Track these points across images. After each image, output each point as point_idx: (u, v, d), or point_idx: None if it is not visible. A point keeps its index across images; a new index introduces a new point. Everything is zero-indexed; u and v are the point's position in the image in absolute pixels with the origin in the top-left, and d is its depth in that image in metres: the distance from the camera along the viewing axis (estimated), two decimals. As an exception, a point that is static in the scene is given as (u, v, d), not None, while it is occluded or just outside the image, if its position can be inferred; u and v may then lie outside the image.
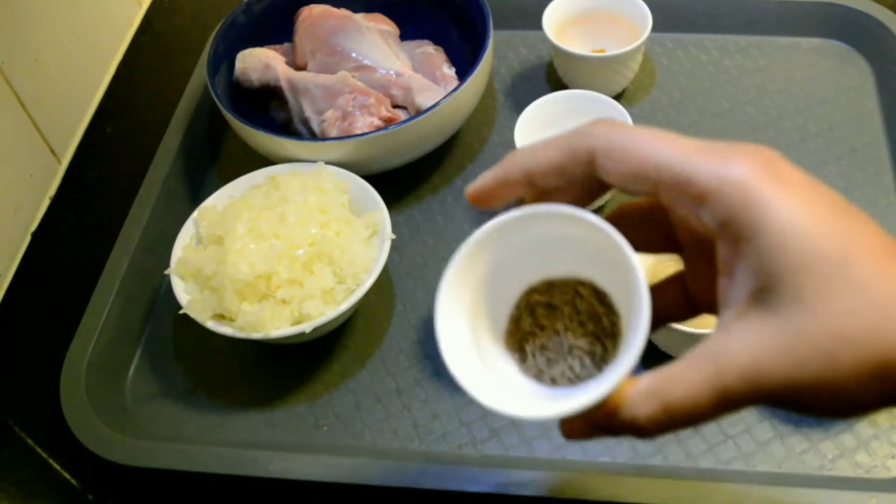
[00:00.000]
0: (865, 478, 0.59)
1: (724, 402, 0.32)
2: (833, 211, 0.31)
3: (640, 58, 0.81)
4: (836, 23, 0.85)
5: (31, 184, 0.82)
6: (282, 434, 0.65)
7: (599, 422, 0.34)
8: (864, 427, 0.61)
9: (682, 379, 0.33)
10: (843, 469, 0.59)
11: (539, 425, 0.63)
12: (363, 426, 0.65)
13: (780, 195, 0.31)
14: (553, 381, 0.36)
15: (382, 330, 0.70)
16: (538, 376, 0.37)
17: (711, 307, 0.36)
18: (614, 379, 0.32)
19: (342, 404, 0.66)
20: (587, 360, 0.36)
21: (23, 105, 0.80)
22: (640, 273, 0.33)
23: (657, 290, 0.38)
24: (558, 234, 0.36)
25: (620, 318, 0.36)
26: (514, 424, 0.63)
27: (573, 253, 0.36)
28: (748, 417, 0.62)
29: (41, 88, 0.83)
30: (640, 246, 0.37)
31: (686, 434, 0.62)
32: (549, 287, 0.38)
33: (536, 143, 0.36)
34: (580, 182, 0.36)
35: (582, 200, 0.37)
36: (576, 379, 0.36)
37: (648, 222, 0.37)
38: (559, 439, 0.62)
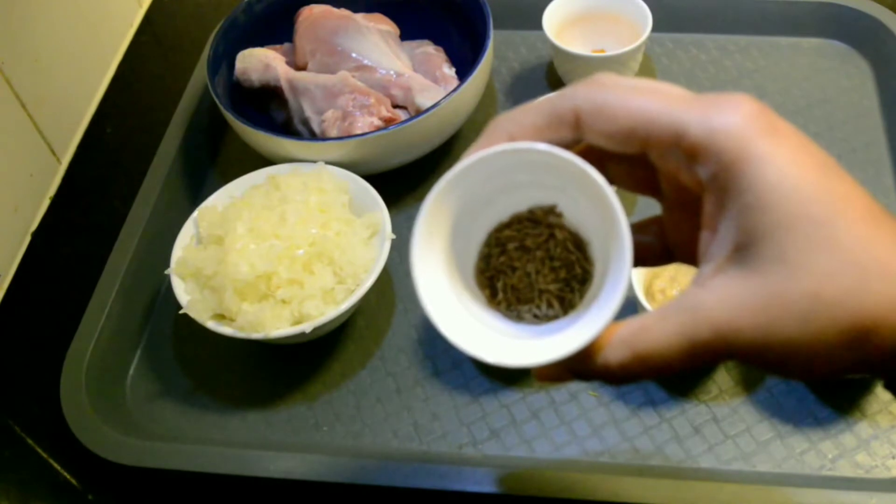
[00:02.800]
0: (865, 478, 0.59)
1: (695, 355, 0.32)
2: (822, 170, 0.31)
3: (640, 58, 0.81)
4: (836, 23, 0.85)
5: (31, 183, 0.82)
6: (282, 434, 0.65)
7: (573, 366, 0.34)
8: (864, 427, 0.61)
9: (656, 328, 0.32)
10: (844, 469, 0.59)
11: (532, 420, 0.63)
12: (363, 426, 0.65)
13: (771, 150, 0.31)
14: (519, 318, 0.36)
15: (382, 330, 0.70)
16: (505, 313, 0.37)
17: (687, 258, 0.36)
18: (599, 324, 0.32)
19: (342, 404, 0.66)
20: (556, 304, 0.36)
21: (23, 105, 0.80)
22: (620, 213, 0.32)
23: (634, 232, 0.35)
24: (531, 174, 0.35)
25: (594, 265, 0.36)
26: (514, 424, 0.63)
27: (547, 193, 0.36)
28: (748, 417, 0.62)
29: (41, 88, 0.83)
30: (619, 183, 0.37)
31: (686, 434, 0.62)
32: (521, 223, 0.37)
33: (518, 109, 0.35)
34: (567, 146, 0.34)
35: None
36: (543, 319, 0.36)
37: (632, 162, 0.36)
38: (559, 439, 0.62)
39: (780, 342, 0.31)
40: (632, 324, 0.33)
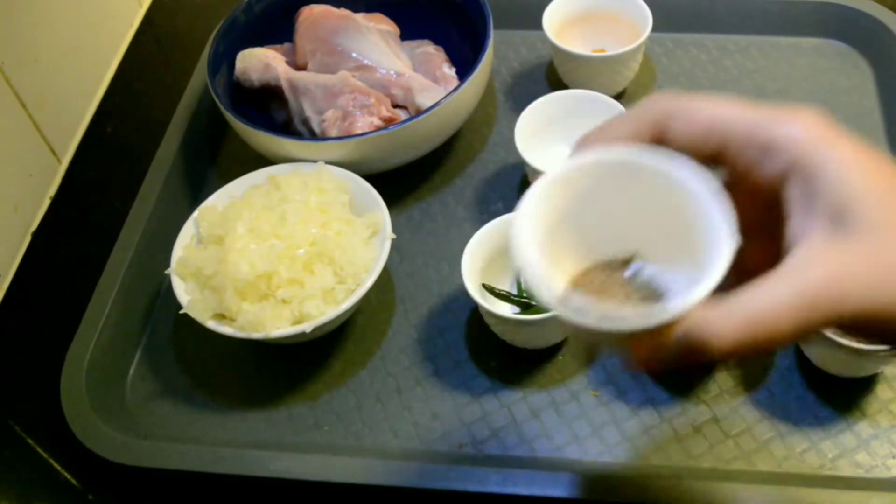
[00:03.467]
0: (866, 477, 0.59)
1: (805, 322, 0.33)
2: (881, 160, 0.36)
3: (640, 58, 0.81)
4: (836, 23, 0.85)
5: (31, 183, 0.82)
6: (282, 434, 0.65)
7: (669, 346, 0.35)
8: (864, 427, 0.61)
9: (766, 295, 0.34)
10: (844, 469, 0.59)
11: (538, 424, 0.63)
12: (363, 426, 0.65)
13: (842, 140, 0.35)
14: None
15: (383, 330, 0.70)
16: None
17: (755, 274, 0.37)
18: (702, 290, 0.33)
19: (342, 404, 0.66)
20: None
21: (23, 105, 0.80)
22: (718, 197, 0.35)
23: None
24: (635, 179, 0.37)
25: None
26: (514, 424, 0.63)
27: (646, 199, 0.38)
28: (749, 417, 0.62)
29: (41, 88, 0.83)
30: None
31: (686, 433, 0.62)
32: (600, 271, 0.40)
33: (608, 122, 0.39)
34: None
35: None
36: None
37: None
38: (559, 439, 0.62)
39: (888, 303, 0.33)
40: (739, 293, 0.34)
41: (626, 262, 0.40)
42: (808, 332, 0.34)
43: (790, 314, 0.33)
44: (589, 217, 0.39)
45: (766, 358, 0.44)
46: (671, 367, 0.36)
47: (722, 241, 0.34)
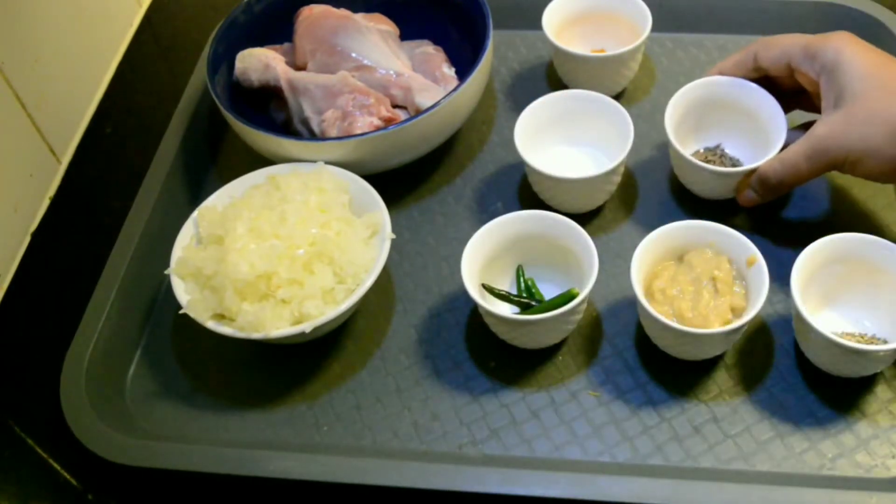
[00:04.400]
0: (866, 477, 0.59)
1: (813, 163, 0.64)
2: (883, 60, 0.63)
3: (639, 58, 0.81)
4: (836, 23, 0.84)
5: (30, 184, 0.82)
6: (282, 434, 0.65)
7: (751, 183, 0.69)
8: (864, 427, 0.61)
9: (793, 148, 0.65)
10: (844, 469, 0.59)
11: (537, 425, 0.63)
12: (363, 426, 0.65)
13: (856, 51, 0.63)
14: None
15: (382, 330, 0.70)
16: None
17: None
18: (761, 161, 0.68)
19: (342, 404, 0.66)
20: None
21: (23, 105, 0.81)
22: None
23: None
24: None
25: None
26: (514, 424, 0.63)
27: None
28: (748, 417, 0.62)
29: (41, 88, 0.83)
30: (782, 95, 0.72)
31: (686, 433, 0.62)
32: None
33: (721, 65, 0.73)
34: (749, 77, 0.72)
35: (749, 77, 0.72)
36: None
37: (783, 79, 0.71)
38: (559, 439, 0.62)
39: (856, 144, 0.61)
40: (785, 151, 0.66)
41: (717, 146, 0.76)
42: (820, 169, 0.64)
43: (804, 159, 0.64)
44: (701, 117, 0.74)
45: (801, 184, 0.68)
46: (759, 199, 0.69)
47: (775, 134, 0.69)
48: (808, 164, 0.64)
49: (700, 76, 0.74)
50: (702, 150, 0.76)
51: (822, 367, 0.63)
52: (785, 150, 0.65)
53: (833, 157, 0.62)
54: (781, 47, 0.66)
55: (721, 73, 0.72)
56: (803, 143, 0.64)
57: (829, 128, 0.62)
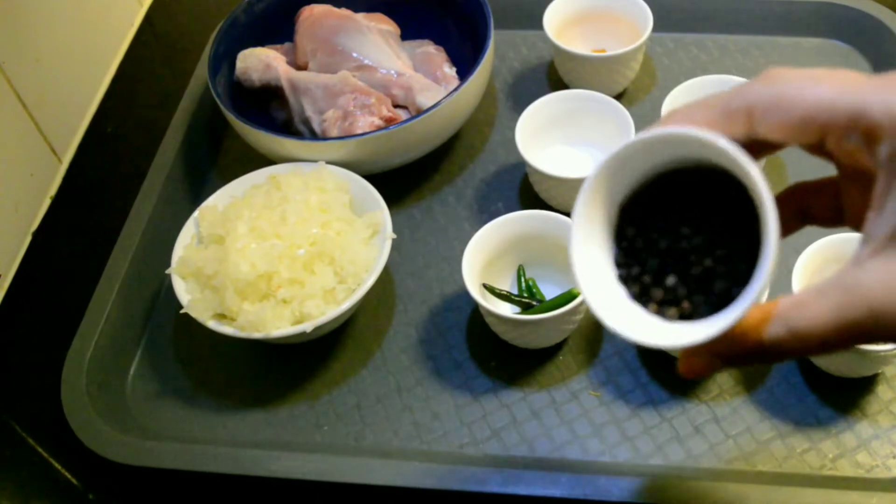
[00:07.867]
0: (866, 477, 0.59)
1: (849, 333, 0.32)
2: None
3: (640, 58, 0.81)
4: (836, 23, 0.85)
5: (31, 183, 0.82)
6: (283, 434, 0.65)
7: (724, 349, 0.35)
8: (864, 427, 0.61)
9: (813, 305, 0.33)
10: (844, 469, 0.59)
11: (539, 422, 0.63)
12: (364, 426, 0.65)
13: None
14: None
15: (383, 330, 0.70)
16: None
17: (858, 227, 0.36)
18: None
19: (343, 404, 0.66)
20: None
21: (24, 104, 0.80)
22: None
23: (812, 191, 0.39)
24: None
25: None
26: (515, 424, 0.63)
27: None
28: (749, 417, 0.62)
29: (42, 88, 0.83)
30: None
31: (687, 433, 0.62)
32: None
33: (693, 105, 0.36)
34: (739, 143, 0.34)
35: None
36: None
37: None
38: (560, 438, 0.62)
39: None
40: (787, 301, 0.33)
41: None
42: (856, 343, 0.33)
43: (834, 330, 0.32)
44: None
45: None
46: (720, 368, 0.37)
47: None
48: (838, 337, 0.33)
49: (701, 76, 0.74)
50: None
51: (822, 368, 0.63)
52: (794, 302, 0.34)
53: (887, 332, 0.32)
54: (807, 106, 0.33)
55: (693, 123, 0.37)
56: (834, 299, 0.32)
57: (886, 285, 0.32)
